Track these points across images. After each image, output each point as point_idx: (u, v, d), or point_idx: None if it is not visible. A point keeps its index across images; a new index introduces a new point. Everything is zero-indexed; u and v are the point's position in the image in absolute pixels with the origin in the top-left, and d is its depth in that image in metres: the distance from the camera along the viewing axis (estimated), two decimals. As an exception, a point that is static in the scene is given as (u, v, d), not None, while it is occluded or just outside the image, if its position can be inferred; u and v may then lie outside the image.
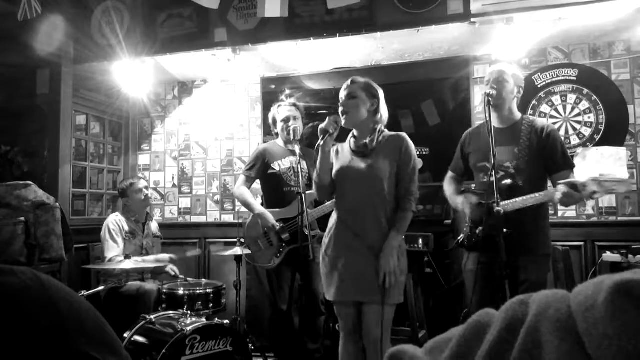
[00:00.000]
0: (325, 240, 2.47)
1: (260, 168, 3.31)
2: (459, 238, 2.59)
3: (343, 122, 2.37)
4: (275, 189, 3.28)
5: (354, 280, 2.32)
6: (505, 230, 2.22)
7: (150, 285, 3.30)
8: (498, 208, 2.20)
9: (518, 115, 2.61)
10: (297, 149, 2.85)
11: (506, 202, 2.33)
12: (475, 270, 2.42)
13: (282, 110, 3.30)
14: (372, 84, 2.44)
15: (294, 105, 3.34)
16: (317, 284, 3.11)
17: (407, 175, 2.36)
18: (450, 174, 2.81)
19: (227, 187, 4.59)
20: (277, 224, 3.15)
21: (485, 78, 2.65)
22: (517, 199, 2.35)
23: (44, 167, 3.81)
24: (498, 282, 2.27)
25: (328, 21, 3.45)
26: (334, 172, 2.44)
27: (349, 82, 2.43)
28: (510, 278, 2.36)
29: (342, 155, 2.48)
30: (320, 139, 2.32)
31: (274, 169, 3.28)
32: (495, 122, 2.54)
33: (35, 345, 0.48)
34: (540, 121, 2.63)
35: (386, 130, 2.47)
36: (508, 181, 2.43)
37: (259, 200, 3.55)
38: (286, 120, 3.24)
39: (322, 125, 2.33)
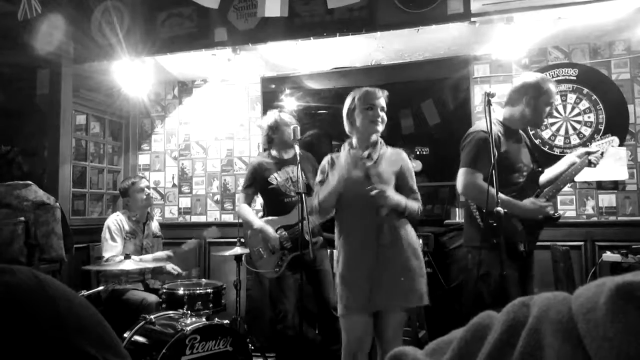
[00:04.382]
0: (339, 257, 2.42)
1: (258, 184, 3.32)
2: (521, 249, 2.46)
3: (374, 127, 2.43)
4: (276, 201, 3.28)
5: (369, 288, 2.31)
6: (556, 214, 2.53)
7: (152, 298, 3.30)
8: (498, 208, 2.20)
9: None
10: (297, 149, 2.84)
11: (547, 189, 2.54)
12: (501, 273, 2.27)
13: (284, 116, 3.33)
14: None
15: (291, 114, 3.47)
16: (329, 292, 3.10)
17: (410, 182, 2.49)
18: (478, 174, 2.50)
19: (227, 187, 4.59)
20: (277, 235, 3.15)
21: (553, 92, 2.57)
22: (555, 185, 2.54)
23: (43, 167, 3.81)
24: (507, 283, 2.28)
25: (328, 21, 3.45)
26: (336, 183, 2.38)
27: (382, 92, 2.47)
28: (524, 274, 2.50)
29: (339, 166, 2.41)
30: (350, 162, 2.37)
31: (271, 183, 3.27)
32: (515, 125, 2.63)
33: (34, 344, 0.48)
34: None
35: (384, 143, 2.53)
36: (533, 175, 2.59)
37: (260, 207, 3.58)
38: (288, 125, 3.25)
39: (365, 155, 2.40)
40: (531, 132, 3.74)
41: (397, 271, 2.31)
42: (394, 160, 2.47)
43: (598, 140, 2.67)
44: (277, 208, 3.26)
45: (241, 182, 4.54)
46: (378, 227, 2.33)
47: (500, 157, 2.42)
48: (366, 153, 2.42)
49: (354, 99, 2.48)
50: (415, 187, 2.50)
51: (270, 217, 3.26)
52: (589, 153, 2.58)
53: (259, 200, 3.72)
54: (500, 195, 2.37)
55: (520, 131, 2.67)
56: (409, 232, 2.42)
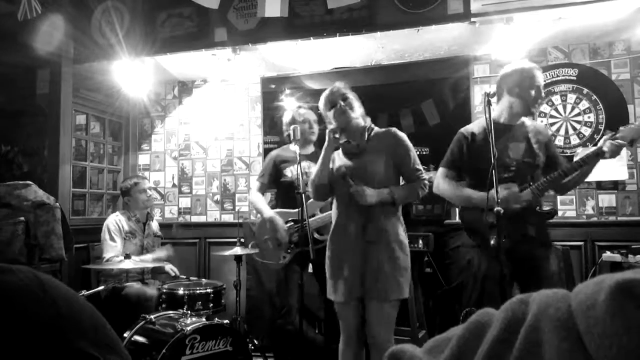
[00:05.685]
0: (328, 242, 2.54)
1: (272, 175, 3.32)
2: (493, 243, 2.38)
3: (341, 119, 2.44)
4: (288, 194, 3.27)
5: (357, 277, 2.36)
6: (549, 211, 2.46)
7: (152, 291, 3.30)
8: (498, 208, 2.19)
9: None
10: (296, 149, 2.85)
11: (569, 178, 2.46)
12: (501, 273, 2.21)
13: (302, 112, 3.31)
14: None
15: (311, 109, 3.39)
16: None
17: (409, 163, 2.45)
18: (445, 171, 2.63)
19: (227, 187, 4.59)
20: (286, 226, 3.16)
21: (540, 81, 2.53)
22: (551, 178, 2.44)
23: (44, 167, 3.81)
24: (503, 280, 2.27)
25: (328, 21, 3.45)
26: (330, 175, 2.51)
27: (334, 87, 2.53)
28: (530, 272, 2.45)
29: (336, 160, 2.55)
30: (327, 139, 2.45)
31: (286, 175, 3.27)
32: (504, 120, 2.59)
33: (33, 344, 0.48)
34: (539, 123, 2.75)
35: (376, 127, 2.55)
36: (529, 167, 2.52)
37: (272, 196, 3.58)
38: (306, 122, 3.24)
39: (330, 126, 2.45)
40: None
41: (380, 264, 2.33)
42: (385, 144, 2.46)
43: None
44: (290, 201, 3.27)
45: (241, 182, 4.56)
46: (364, 222, 2.37)
47: (477, 152, 2.50)
48: (355, 144, 2.48)
49: (319, 110, 2.58)
50: (417, 165, 2.45)
51: (281, 210, 3.27)
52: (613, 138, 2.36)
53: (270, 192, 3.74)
54: (455, 185, 2.57)
55: (526, 123, 2.59)
56: (396, 227, 2.42)
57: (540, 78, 2.54)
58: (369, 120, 2.55)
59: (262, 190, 3.37)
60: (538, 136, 2.57)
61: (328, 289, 2.49)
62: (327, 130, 2.46)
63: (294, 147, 3.27)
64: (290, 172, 3.27)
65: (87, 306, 0.56)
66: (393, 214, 2.43)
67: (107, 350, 0.54)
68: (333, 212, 2.58)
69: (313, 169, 3.22)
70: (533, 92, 2.50)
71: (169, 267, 3.72)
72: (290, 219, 3.20)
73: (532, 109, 2.56)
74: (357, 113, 2.48)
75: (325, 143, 2.47)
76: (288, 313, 3.18)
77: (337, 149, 2.54)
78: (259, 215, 3.39)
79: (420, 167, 2.46)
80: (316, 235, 3.01)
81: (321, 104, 2.55)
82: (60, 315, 0.51)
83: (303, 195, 2.64)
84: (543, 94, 2.56)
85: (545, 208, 2.54)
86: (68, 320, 0.51)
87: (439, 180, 2.65)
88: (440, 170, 2.66)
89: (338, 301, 2.45)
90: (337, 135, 2.42)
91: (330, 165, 2.52)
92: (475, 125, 2.65)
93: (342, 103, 2.45)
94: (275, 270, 3.37)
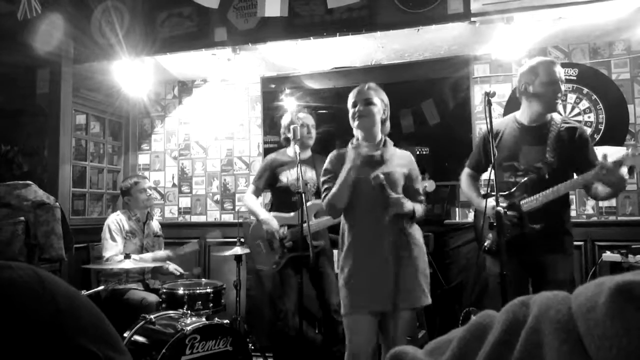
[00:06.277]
0: (342, 253, 2.43)
1: (268, 179, 3.30)
2: (485, 245, 2.49)
3: (356, 124, 2.41)
4: (284, 199, 3.26)
5: (384, 288, 2.28)
6: (533, 226, 2.38)
7: (153, 297, 3.30)
8: (498, 208, 2.19)
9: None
10: (296, 148, 2.85)
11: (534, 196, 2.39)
12: (501, 273, 2.21)
13: (301, 115, 3.31)
14: (383, 93, 2.48)
15: (310, 114, 3.44)
16: (331, 295, 3.10)
17: (415, 184, 2.48)
18: (468, 170, 2.76)
19: (227, 187, 4.60)
20: (281, 230, 3.15)
21: (558, 76, 2.45)
22: (549, 191, 2.35)
23: (43, 167, 3.81)
24: (517, 283, 2.28)
25: (328, 21, 3.45)
26: (344, 177, 2.36)
27: (365, 86, 2.45)
28: (535, 277, 2.45)
29: (348, 160, 2.42)
30: (351, 160, 2.32)
31: (281, 180, 3.25)
32: (525, 120, 2.56)
33: (32, 340, 0.48)
34: (574, 124, 2.58)
35: (392, 143, 2.50)
36: (534, 176, 2.42)
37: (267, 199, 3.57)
38: (305, 126, 3.23)
39: (351, 147, 2.37)
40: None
41: (405, 273, 2.29)
42: (403, 162, 2.45)
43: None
44: (285, 206, 3.26)
45: (241, 182, 4.56)
46: (392, 230, 2.31)
47: (488, 154, 2.47)
48: (378, 153, 2.39)
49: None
50: (421, 189, 2.52)
51: (276, 213, 3.26)
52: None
53: (267, 196, 3.73)
54: (467, 185, 2.71)
55: (554, 124, 2.50)
56: (417, 233, 2.41)
57: (557, 72, 2.45)
58: (387, 128, 2.48)
59: (257, 193, 3.36)
60: (561, 140, 2.45)
61: (345, 303, 2.34)
62: (351, 148, 2.36)
63: (291, 149, 3.26)
64: (285, 177, 3.25)
65: (87, 303, 0.56)
66: (416, 225, 2.44)
67: (107, 347, 0.54)
68: (345, 222, 2.45)
69: (309, 173, 3.23)
70: (549, 88, 2.43)
71: (173, 267, 3.71)
72: (284, 223, 3.19)
73: (553, 106, 2.48)
74: (375, 121, 2.40)
75: (349, 165, 2.31)
76: (285, 317, 3.17)
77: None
78: (252, 218, 3.38)
79: (422, 192, 2.52)
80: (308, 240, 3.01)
81: (349, 98, 2.48)
82: (60, 312, 0.51)
83: (302, 195, 2.62)
84: (562, 88, 2.47)
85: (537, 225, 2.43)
86: (67, 317, 0.51)
87: (462, 179, 2.79)
88: (465, 169, 2.79)
89: (357, 314, 2.32)
90: (354, 144, 2.39)
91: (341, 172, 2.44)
92: (497, 124, 2.63)
93: (361, 108, 2.39)
94: (271, 274, 3.36)
